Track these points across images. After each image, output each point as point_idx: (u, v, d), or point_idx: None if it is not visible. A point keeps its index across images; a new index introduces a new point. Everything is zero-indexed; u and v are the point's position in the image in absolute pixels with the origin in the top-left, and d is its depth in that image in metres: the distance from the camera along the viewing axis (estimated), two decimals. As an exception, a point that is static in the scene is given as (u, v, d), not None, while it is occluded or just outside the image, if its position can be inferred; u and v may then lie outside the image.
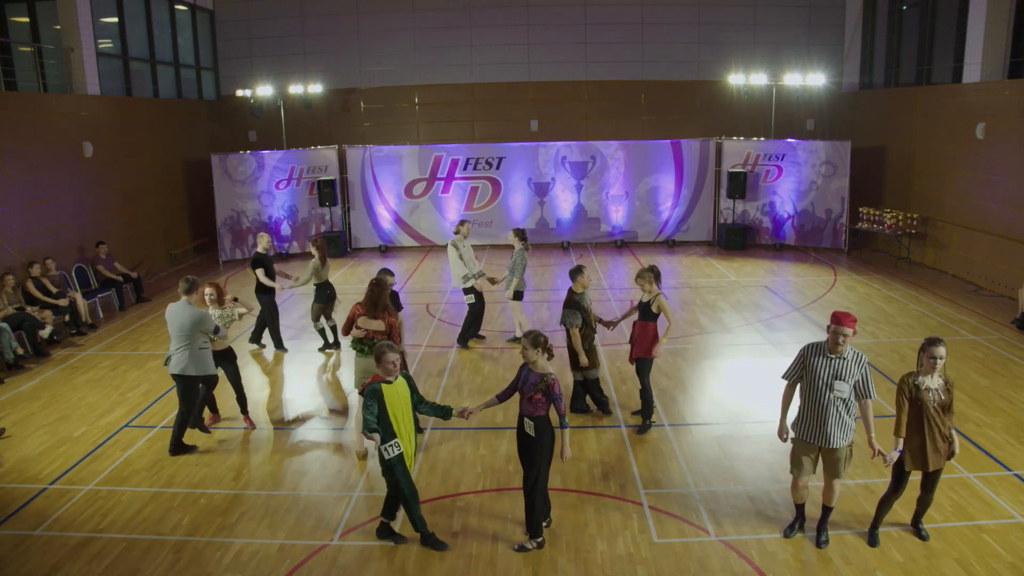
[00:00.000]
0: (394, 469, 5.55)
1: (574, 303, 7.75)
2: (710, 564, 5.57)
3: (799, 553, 5.66)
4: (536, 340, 5.59)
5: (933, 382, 5.43)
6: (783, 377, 5.73)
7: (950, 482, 6.59)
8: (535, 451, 5.63)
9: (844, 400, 5.41)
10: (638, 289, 7.73)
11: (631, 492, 6.61)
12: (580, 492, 6.64)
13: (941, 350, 5.37)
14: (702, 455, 7.28)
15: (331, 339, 10.62)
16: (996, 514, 6.10)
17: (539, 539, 5.78)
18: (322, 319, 10.57)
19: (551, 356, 5.75)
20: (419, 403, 5.76)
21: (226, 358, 8.00)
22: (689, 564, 5.58)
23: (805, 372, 5.53)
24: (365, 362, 7.04)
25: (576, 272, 7.81)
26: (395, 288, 8.11)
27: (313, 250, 10.39)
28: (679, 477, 6.88)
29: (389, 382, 5.46)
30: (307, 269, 10.27)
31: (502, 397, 5.91)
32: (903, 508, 6.17)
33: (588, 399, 8.18)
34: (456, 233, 10.62)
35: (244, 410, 8.15)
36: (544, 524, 5.95)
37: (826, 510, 5.79)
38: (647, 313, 7.60)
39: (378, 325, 7.06)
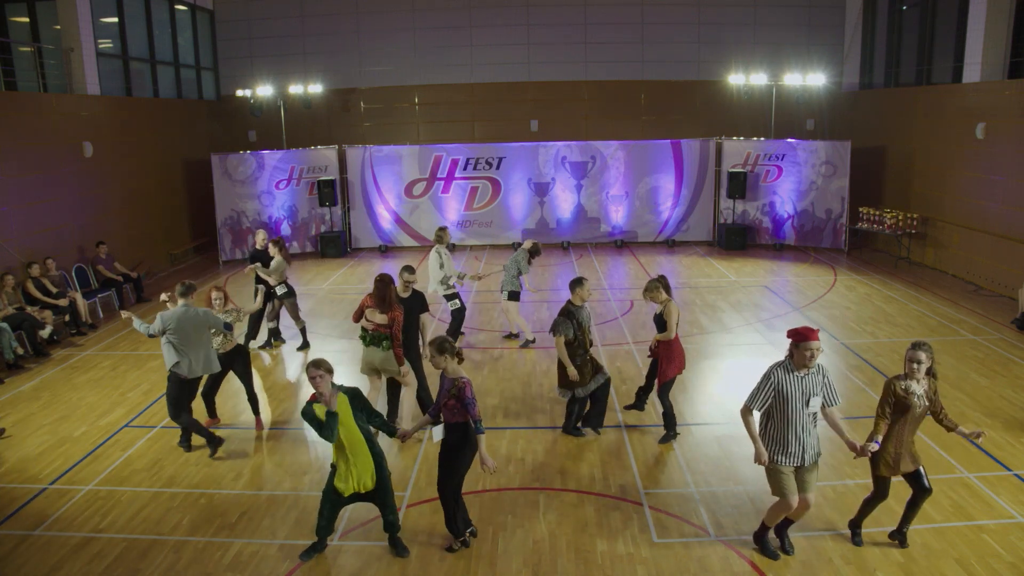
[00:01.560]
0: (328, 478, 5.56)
1: (569, 313, 7.39)
2: (710, 564, 5.57)
3: (799, 553, 5.66)
4: (442, 346, 5.54)
5: (919, 388, 5.38)
6: (751, 406, 5.33)
7: (950, 482, 6.59)
8: (452, 457, 5.63)
9: (814, 415, 5.32)
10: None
11: (631, 492, 6.61)
12: (580, 492, 6.64)
13: (920, 354, 5.28)
14: (702, 455, 7.28)
15: (285, 340, 10.83)
16: (996, 514, 6.10)
17: (461, 538, 5.80)
18: (298, 319, 10.73)
19: (461, 360, 5.69)
20: (369, 416, 5.59)
21: (237, 358, 7.88)
22: (689, 564, 5.58)
23: (777, 396, 5.28)
24: (364, 352, 7.48)
25: (575, 284, 7.47)
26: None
27: (275, 250, 10.40)
28: (679, 477, 6.89)
29: (320, 401, 5.38)
30: (277, 268, 10.29)
31: (434, 413, 5.82)
32: (902, 507, 6.17)
33: (580, 424, 7.77)
34: (439, 241, 10.54)
35: (256, 411, 8.11)
36: (469, 532, 5.91)
37: (788, 522, 5.72)
38: (663, 326, 7.41)
39: (382, 319, 7.32)
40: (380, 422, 5.69)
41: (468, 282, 10.72)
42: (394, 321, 7.31)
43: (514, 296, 10.44)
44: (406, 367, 7.59)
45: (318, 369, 5.37)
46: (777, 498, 5.41)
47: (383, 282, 7.36)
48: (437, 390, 5.78)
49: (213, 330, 7.54)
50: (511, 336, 10.92)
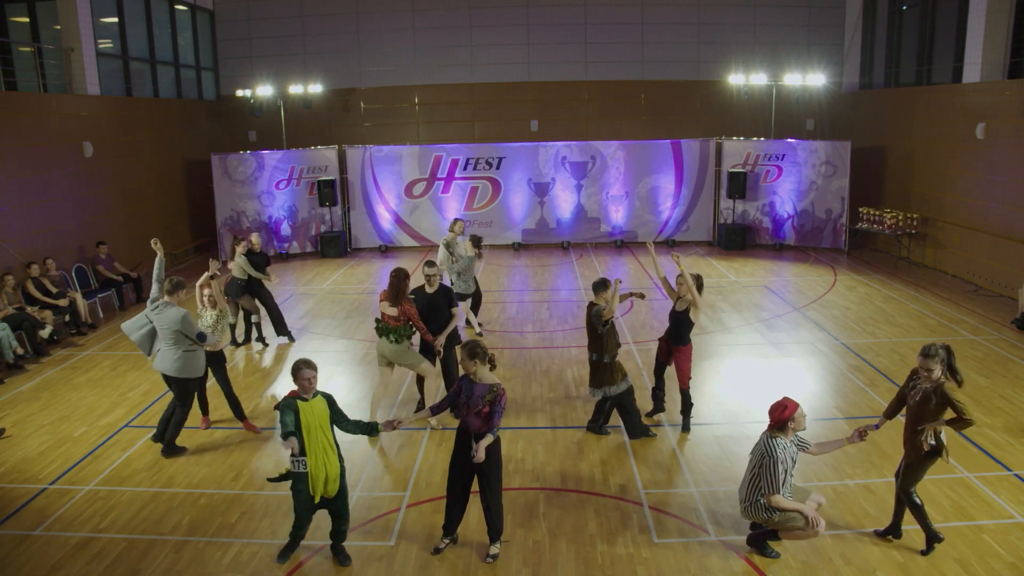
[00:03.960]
0: (296, 486, 5.44)
1: (599, 312, 7.36)
2: (710, 564, 5.57)
3: (799, 553, 5.66)
4: (474, 351, 5.42)
5: (928, 383, 5.41)
6: (781, 492, 5.31)
7: (950, 482, 6.60)
8: (491, 465, 5.56)
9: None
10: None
11: (631, 492, 6.61)
12: (580, 492, 6.64)
13: (928, 362, 5.32)
14: (702, 455, 7.28)
15: (255, 334, 10.93)
16: (996, 514, 6.10)
17: (502, 539, 5.79)
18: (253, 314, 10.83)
19: (493, 366, 5.56)
20: (342, 422, 5.57)
21: (215, 361, 7.79)
22: (689, 564, 5.58)
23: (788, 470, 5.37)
24: (378, 343, 7.72)
25: (600, 286, 7.43)
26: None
27: (239, 248, 10.54)
28: (679, 477, 6.89)
29: (305, 399, 5.37)
30: (240, 267, 10.45)
31: (436, 410, 5.77)
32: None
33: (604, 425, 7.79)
34: (450, 231, 10.84)
35: (241, 416, 7.98)
36: (451, 539, 5.88)
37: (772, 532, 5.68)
38: (681, 323, 7.39)
39: (392, 311, 7.53)
40: (355, 426, 5.63)
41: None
42: (406, 315, 7.53)
43: (460, 297, 10.49)
44: (425, 364, 7.87)
45: (312, 370, 5.37)
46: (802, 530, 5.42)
47: (397, 276, 7.54)
48: (450, 394, 5.69)
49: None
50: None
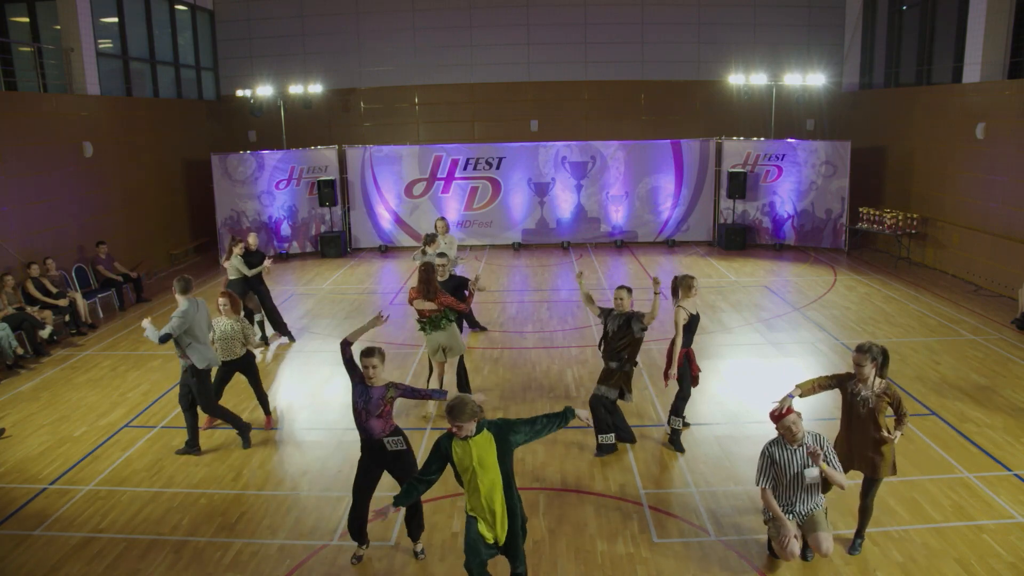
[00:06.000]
0: (465, 528, 4.88)
1: (606, 311, 7.28)
2: (710, 564, 5.57)
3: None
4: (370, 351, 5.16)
5: (867, 389, 5.40)
6: (760, 484, 5.35)
7: (950, 482, 6.60)
8: (408, 462, 5.56)
9: (817, 483, 5.35)
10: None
11: (631, 492, 6.61)
12: (580, 492, 6.64)
13: (857, 356, 5.35)
14: (702, 455, 7.28)
15: (259, 334, 10.95)
16: (996, 514, 6.10)
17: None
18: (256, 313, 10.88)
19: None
20: (531, 433, 4.82)
21: (246, 366, 7.90)
22: (689, 564, 5.58)
23: (776, 469, 5.32)
24: (428, 338, 8.19)
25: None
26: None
27: (235, 249, 10.54)
28: (679, 477, 6.89)
29: (463, 439, 4.68)
30: (235, 268, 10.47)
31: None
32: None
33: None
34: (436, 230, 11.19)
35: (266, 410, 8.17)
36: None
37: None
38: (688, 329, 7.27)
39: (430, 306, 7.93)
40: (547, 423, 4.88)
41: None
42: (443, 304, 7.94)
43: None
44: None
45: (456, 419, 4.57)
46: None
47: (427, 271, 7.90)
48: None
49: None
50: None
